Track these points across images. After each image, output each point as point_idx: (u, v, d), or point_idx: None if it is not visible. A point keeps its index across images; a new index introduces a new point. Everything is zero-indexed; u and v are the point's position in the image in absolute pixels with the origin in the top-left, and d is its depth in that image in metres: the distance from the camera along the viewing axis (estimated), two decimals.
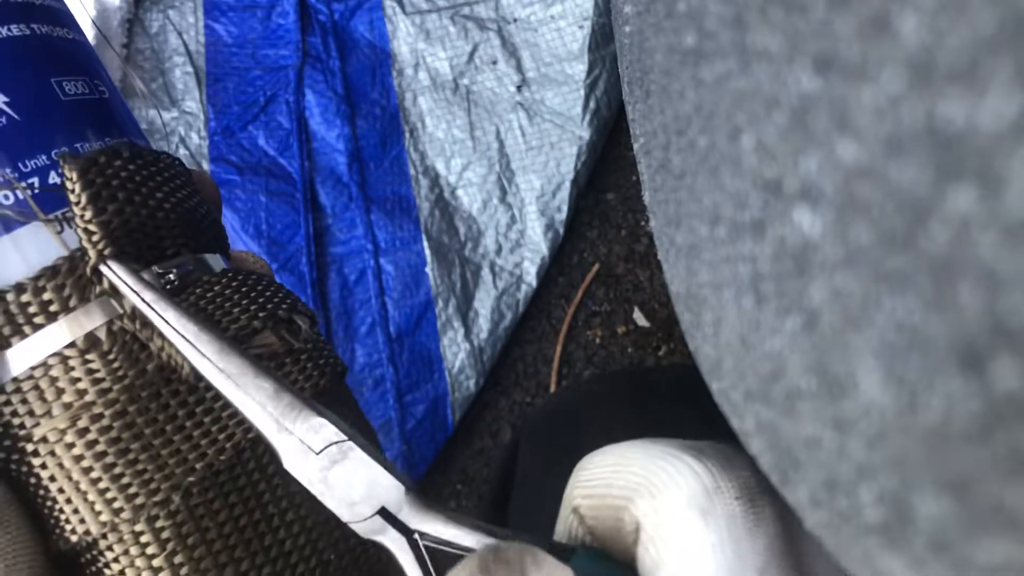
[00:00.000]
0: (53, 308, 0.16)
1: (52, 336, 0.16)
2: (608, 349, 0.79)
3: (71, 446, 0.16)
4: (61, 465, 0.16)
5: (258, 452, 0.17)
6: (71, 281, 0.16)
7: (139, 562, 0.16)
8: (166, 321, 0.16)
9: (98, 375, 0.16)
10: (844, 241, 0.08)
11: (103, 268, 0.16)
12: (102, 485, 0.16)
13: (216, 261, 0.19)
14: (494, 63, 0.84)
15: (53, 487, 0.16)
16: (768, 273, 0.10)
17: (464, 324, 0.77)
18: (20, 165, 0.16)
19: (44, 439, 0.16)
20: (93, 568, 0.16)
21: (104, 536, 0.16)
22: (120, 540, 0.16)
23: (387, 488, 0.15)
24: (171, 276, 0.18)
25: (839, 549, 0.11)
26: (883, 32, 0.07)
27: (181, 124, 0.84)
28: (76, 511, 0.16)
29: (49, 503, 0.16)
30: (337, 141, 0.83)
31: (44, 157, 0.16)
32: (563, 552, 0.14)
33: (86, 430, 0.16)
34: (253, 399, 0.15)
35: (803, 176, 0.09)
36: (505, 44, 0.84)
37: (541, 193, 0.80)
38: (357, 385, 0.75)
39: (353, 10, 0.87)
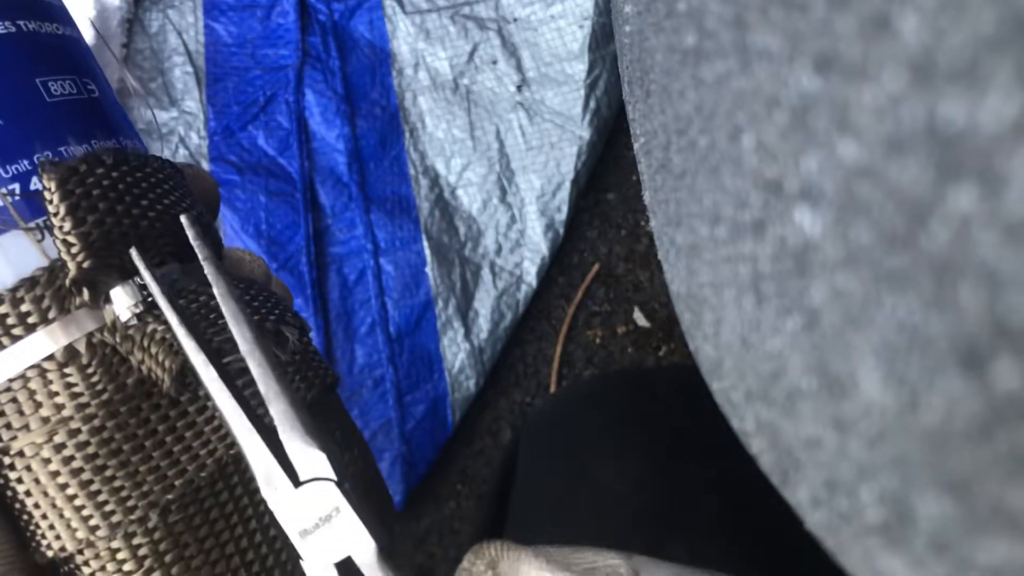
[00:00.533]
0: (32, 320, 0.16)
1: (31, 347, 0.16)
2: (608, 349, 0.79)
3: (47, 461, 0.16)
4: (37, 480, 0.16)
5: (242, 468, 0.17)
6: (50, 292, 0.16)
7: None
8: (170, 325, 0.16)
9: (76, 389, 0.16)
10: (845, 241, 0.08)
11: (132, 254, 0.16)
12: (78, 502, 0.16)
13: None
14: (494, 63, 0.84)
15: (29, 502, 0.16)
16: (769, 273, 0.10)
17: (464, 324, 0.77)
18: (1, 170, 0.16)
19: (21, 453, 0.16)
20: None
21: (80, 552, 0.16)
22: (96, 556, 0.16)
23: (362, 542, 0.15)
24: None
25: (839, 549, 0.11)
26: (883, 32, 0.07)
27: (181, 124, 0.84)
28: (52, 527, 0.16)
29: (26, 517, 0.16)
30: (337, 141, 0.83)
31: (26, 162, 0.16)
32: None
33: (63, 445, 0.16)
34: (235, 412, 0.15)
35: (804, 176, 0.09)
36: (505, 44, 0.84)
37: (541, 193, 0.80)
38: (357, 385, 0.75)
39: (353, 10, 0.87)
